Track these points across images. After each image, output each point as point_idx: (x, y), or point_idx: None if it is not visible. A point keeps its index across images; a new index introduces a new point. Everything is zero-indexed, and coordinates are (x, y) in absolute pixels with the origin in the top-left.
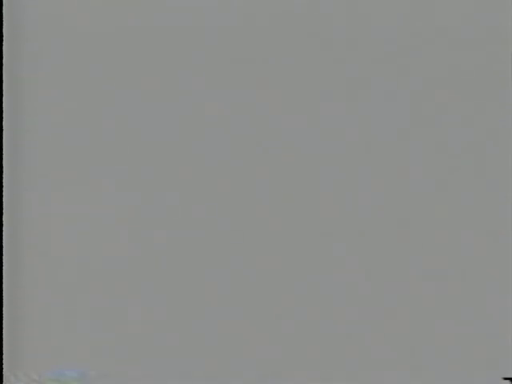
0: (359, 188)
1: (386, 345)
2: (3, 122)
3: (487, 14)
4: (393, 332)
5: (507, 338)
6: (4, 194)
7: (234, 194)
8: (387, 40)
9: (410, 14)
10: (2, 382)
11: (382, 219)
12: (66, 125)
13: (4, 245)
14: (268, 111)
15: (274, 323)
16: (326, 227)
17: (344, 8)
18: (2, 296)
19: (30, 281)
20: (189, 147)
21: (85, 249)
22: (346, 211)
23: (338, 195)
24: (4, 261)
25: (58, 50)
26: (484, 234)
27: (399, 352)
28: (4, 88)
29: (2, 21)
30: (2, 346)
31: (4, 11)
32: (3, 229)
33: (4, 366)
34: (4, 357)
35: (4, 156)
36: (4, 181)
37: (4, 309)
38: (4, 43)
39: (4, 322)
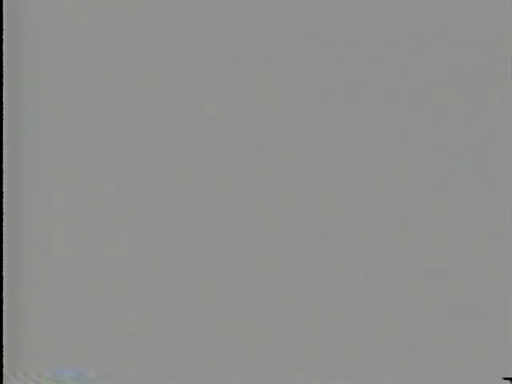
0: (359, 188)
1: (385, 345)
2: (3, 122)
3: (487, 13)
4: (393, 332)
5: (507, 338)
6: (4, 194)
7: (234, 194)
8: (387, 40)
9: (409, 14)
10: (2, 382)
11: (382, 219)
12: (66, 125)
13: (4, 245)
14: (268, 111)
15: (273, 323)
16: (326, 227)
17: (344, 8)
18: (1, 296)
19: (30, 281)
20: (189, 147)
21: (85, 249)
22: (346, 211)
23: (338, 195)
24: (4, 261)
25: (58, 50)
26: (484, 234)
27: (399, 352)
28: (4, 88)
29: (1, 21)
30: (1, 346)
31: (4, 11)
32: (3, 229)
33: (4, 365)
34: (4, 357)
35: (4, 156)
36: (4, 181)
37: (4, 309)
38: (4, 43)
39: (4, 321)
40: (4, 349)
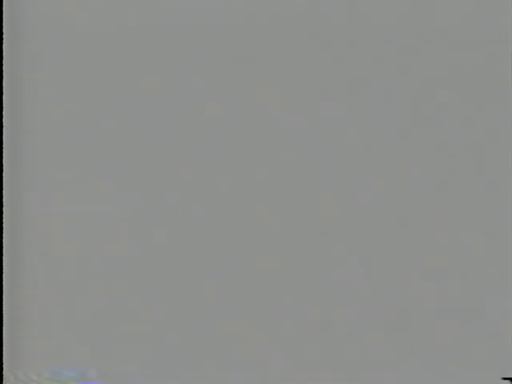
0: (359, 188)
1: (385, 345)
2: (3, 122)
3: (487, 13)
4: (393, 332)
5: (507, 338)
6: (4, 193)
7: (234, 193)
8: (387, 40)
9: (410, 14)
10: (2, 382)
11: (382, 219)
12: (66, 125)
13: (4, 245)
14: (268, 111)
15: (274, 323)
16: (326, 227)
17: (344, 8)
18: (1, 296)
19: (30, 281)
20: (189, 147)
21: (85, 249)
22: (346, 211)
23: (338, 195)
24: (4, 261)
25: (58, 50)
26: (484, 234)
27: (399, 352)
28: (4, 88)
29: (1, 21)
30: (1, 346)
31: (4, 11)
32: (3, 229)
33: (4, 365)
34: (4, 357)
35: (4, 156)
36: (4, 181)
37: (4, 309)
38: (4, 43)
39: (4, 321)
40: (4, 349)
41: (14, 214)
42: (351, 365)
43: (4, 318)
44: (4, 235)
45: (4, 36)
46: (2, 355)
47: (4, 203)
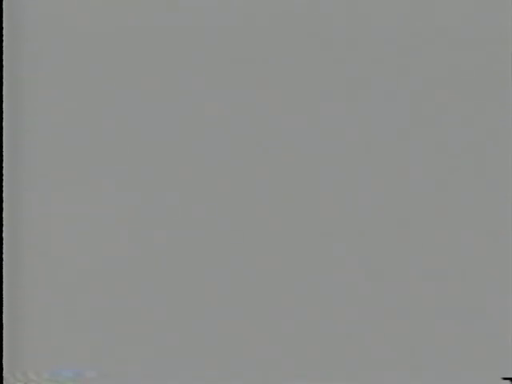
0: (359, 188)
1: (385, 345)
2: (3, 122)
3: (487, 13)
4: (393, 332)
5: (507, 338)
6: (4, 193)
7: (234, 194)
8: (387, 40)
9: (410, 14)
10: (2, 382)
11: (382, 219)
12: (66, 125)
13: (4, 245)
14: (268, 111)
15: (274, 323)
16: (326, 227)
17: (344, 8)
18: (1, 296)
19: (30, 281)
20: (189, 147)
21: (85, 249)
22: (346, 211)
23: (338, 195)
24: (4, 261)
25: (58, 50)
26: (484, 234)
27: (399, 352)
28: (4, 88)
29: (1, 21)
30: (1, 346)
31: (4, 11)
32: (3, 229)
33: (4, 365)
34: (4, 357)
35: (4, 156)
36: (4, 181)
37: (4, 309)
38: (4, 43)
39: (4, 322)
40: (4, 349)
41: (14, 214)
42: (351, 365)
43: (4, 318)
44: (4, 235)
45: (4, 36)
46: (1, 355)
47: (4, 203)
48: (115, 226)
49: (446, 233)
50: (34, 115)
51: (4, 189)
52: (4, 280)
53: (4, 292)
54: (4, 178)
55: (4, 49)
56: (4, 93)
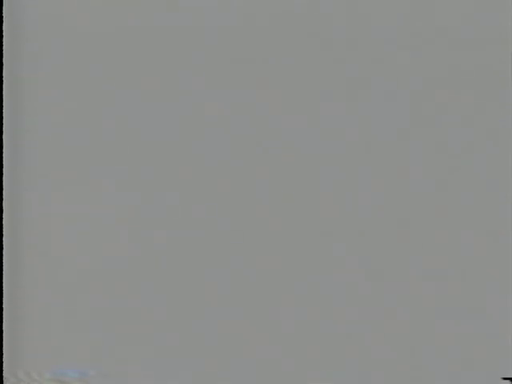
0: (359, 188)
1: (385, 345)
2: (3, 122)
3: (487, 13)
4: (393, 332)
5: (507, 338)
6: (4, 193)
7: (234, 194)
8: (387, 40)
9: (410, 14)
10: (2, 381)
11: (382, 219)
12: (66, 125)
13: (4, 245)
14: (268, 111)
15: (274, 323)
16: (326, 227)
17: (344, 8)
18: (1, 296)
19: (30, 281)
20: (189, 147)
21: (85, 249)
22: (346, 211)
23: (338, 195)
24: (4, 261)
25: (58, 50)
26: (484, 234)
27: (399, 352)
28: (4, 88)
29: (1, 21)
30: (1, 346)
31: (4, 11)
32: (3, 229)
33: (4, 365)
34: (4, 357)
35: (4, 156)
36: (4, 181)
37: (4, 309)
38: (4, 43)
39: (4, 321)
40: (4, 348)
41: (14, 213)
42: (351, 365)
43: (4, 318)
44: (4, 235)
45: (4, 36)
46: (1, 355)
47: (4, 203)
48: (115, 226)
49: (446, 233)
50: (33, 115)
51: (4, 189)
52: (4, 280)
53: (4, 292)
54: (4, 178)
55: (4, 49)
56: (4, 93)
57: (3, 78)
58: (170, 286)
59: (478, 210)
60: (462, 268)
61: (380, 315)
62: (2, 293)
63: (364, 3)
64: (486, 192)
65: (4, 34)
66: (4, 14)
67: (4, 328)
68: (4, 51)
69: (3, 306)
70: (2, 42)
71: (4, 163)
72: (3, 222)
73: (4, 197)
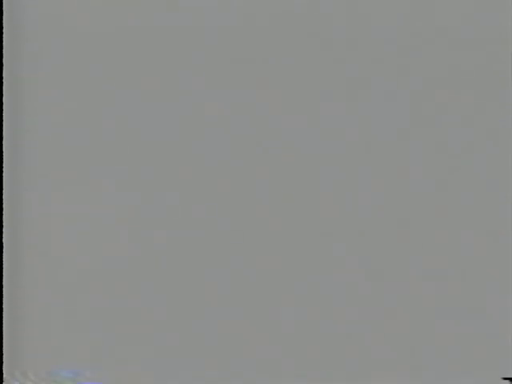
0: (359, 188)
1: (385, 345)
2: (3, 122)
3: (487, 13)
4: (393, 332)
5: (507, 338)
6: (4, 193)
7: (234, 193)
8: (387, 40)
9: (410, 14)
10: (2, 381)
11: (382, 219)
12: (66, 125)
13: (4, 244)
14: (268, 111)
15: (273, 323)
16: (326, 227)
17: (344, 8)
18: (1, 296)
19: (30, 281)
20: (189, 147)
21: (85, 249)
22: (346, 211)
23: (338, 195)
24: (4, 260)
25: (58, 50)
26: (484, 234)
27: (399, 352)
28: (4, 88)
29: (1, 21)
30: (1, 346)
31: (4, 11)
32: (3, 229)
33: (4, 365)
34: (4, 356)
35: (4, 156)
36: (4, 181)
37: (4, 308)
38: (4, 43)
39: (4, 321)
40: (4, 349)
41: (14, 213)
42: (351, 365)
43: (4, 318)
44: (4, 235)
45: (4, 36)
46: (1, 355)
47: (4, 203)
48: (115, 226)
49: (446, 233)
50: (33, 115)
51: (4, 189)
52: (4, 280)
53: (4, 292)
54: (4, 178)
55: (4, 49)
56: (4, 92)
57: (3, 78)
58: (169, 285)
59: (478, 209)
60: (461, 268)
61: (380, 315)
62: (1, 292)
63: (364, 3)
64: (486, 192)
65: (4, 33)
66: (4, 14)
67: (4, 328)
68: (4, 51)
69: (3, 306)
70: (2, 42)
71: (4, 163)
72: (3, 222)
73: (4, 197)
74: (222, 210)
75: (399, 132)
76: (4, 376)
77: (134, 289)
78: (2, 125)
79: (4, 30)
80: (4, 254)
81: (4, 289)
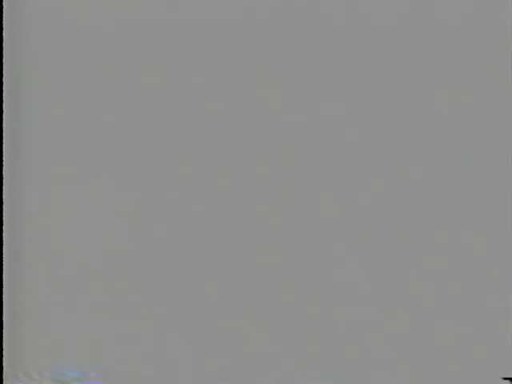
0: (359, 188)
1: (385, 345)
2: (3, 118)
3: (487, 14)
4: (393, 332)
5: (507, 338)
6: (4, 189)
7: (234, 189)
8: (387, 40)
9: (410, 14)
10: (2, 381)
11: (382, 219)
12: (66, 120)
13: (4, 240)
14: (268, 107)
15: (274, 323)
16: (326, 227)
17: (344, 8)
18: (1, 292)
19: (30, 276)
20: (189, 142)
21: (85, 244)
22: (346, 211)
23: (338, 195)
24: (4, 256)
25: (58, 46)
26: (484, 234)
27: (399, 352)
28: (4, 84)
29: (1, 17)
30: (1, 344)
31: (4, 8)
32: (3, 224)
33: (4, 364)
34: (4, 355)
35: (4, 151)
36: (4, 176)
37: (4, 305)
38: (4, 40)
39: (4, 318)
40: (4, 346)
41: (14, 209)
42: (351, 365)
43: (4, 314)
44: (4, 230)
45: (4, 32)
46: (1, 353)
47: (4, 198)
48: (115, 221)
49: (446, 233)
50: (33, 110)
51: (4, 184)
52: (4, 275)
53: (4, 287)
54: (4, 173)
55: (4, 45)
56: (4, 88)
57: (3, 74)
58: (170, 281)
59: (478, 209)
60: (462, 268)
61: (380, 315)
62: (1, 288)
63: (364, 3)
64: (486, 192)
65: (4, 30)
66: (4, 11)
67: (4, 325)
68: (4, 47)
69: (3, 301)
70: (2, 38)
71: (4, 158)
72: (3, 217)
73: (4, 192)
74: (222, 205)
75: (399, 132)
76: (4, 375)
77: (134, 284)
78: (2, 120)
79: (4, 26)
80: (4, 249)
81: (4, 284)
